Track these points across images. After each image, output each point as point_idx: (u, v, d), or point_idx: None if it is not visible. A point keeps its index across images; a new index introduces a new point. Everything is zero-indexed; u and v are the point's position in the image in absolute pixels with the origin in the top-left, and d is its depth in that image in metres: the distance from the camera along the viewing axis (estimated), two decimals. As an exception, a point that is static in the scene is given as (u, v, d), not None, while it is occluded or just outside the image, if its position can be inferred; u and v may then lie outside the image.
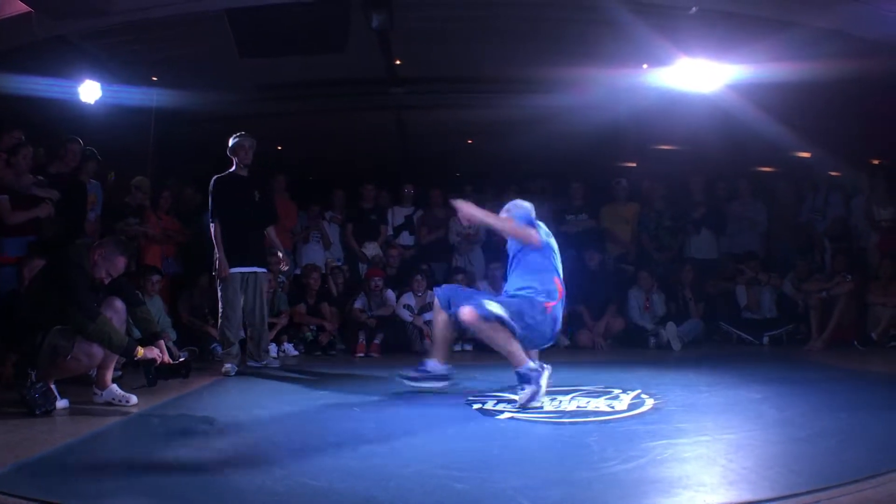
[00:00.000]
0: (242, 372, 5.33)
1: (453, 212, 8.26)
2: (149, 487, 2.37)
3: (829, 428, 3.04)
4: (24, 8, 5.66)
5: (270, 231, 5.75)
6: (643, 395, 3.85)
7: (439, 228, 8.07)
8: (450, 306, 4.06)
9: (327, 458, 2.70)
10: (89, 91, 6.97)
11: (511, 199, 4.50)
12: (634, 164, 9.72)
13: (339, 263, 7.83)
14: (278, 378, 5.17)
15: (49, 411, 3.52)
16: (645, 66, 7.31)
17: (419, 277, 7.17)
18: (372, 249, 7.88)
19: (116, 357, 3.92)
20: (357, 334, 6.80)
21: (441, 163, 10.89)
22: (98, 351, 3.68)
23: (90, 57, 7.07)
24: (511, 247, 4.27)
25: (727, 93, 7.07)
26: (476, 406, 3.73)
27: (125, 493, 2.37)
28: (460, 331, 4.35)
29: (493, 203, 8.13)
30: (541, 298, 3.95)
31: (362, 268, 7.79)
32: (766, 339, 7.11)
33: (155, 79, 7.87)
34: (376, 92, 8.95)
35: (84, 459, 2.81)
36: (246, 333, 5.76)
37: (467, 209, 4.11)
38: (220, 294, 5.43)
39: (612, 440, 2.89)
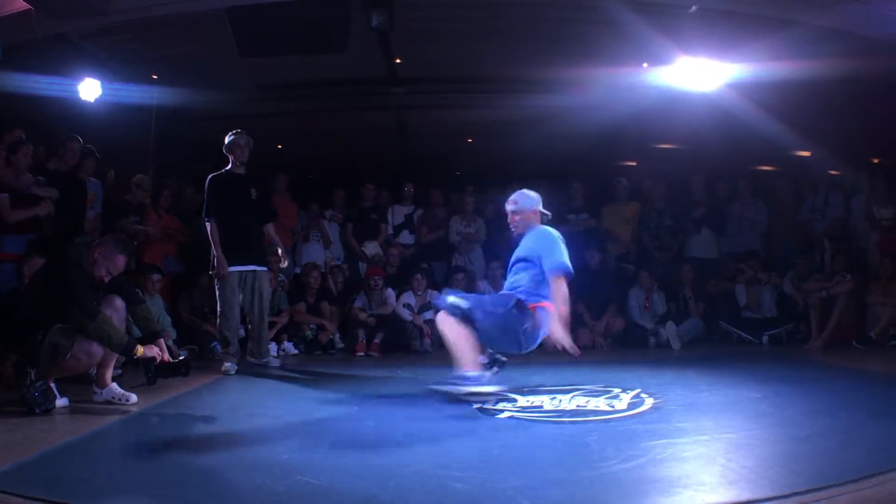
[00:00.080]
0: (242, 371, 5.33)
1: (453, 211, 8.31)
2: (148, 487, 2.37)
3: (828, 427, 3.04)
4: (24, 6, 5.65)
5: (269, 228, 5.73)
6: (643, 395, 3.85)
7: (439, 228, 8.08)
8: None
9: (327, 458, 2.70)
10: (89, 89, 6.96)
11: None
12: (635, 164, 9.73)
13: (340, 262, 7.84)
14: (278, 377, 5.17)
15: (49, 410, 3.52)
16: (645, 65, 7.30)
17: (419, 276, 7.18)
18: (372, 248, 7.88)
19: (116, 356, 3.91)
20: (357, 333, 6.80)
21: (441, 163, 10.88)
22: (98, 349, 3.68)
23: (90, 55, 7.07)
24: (523, 256, 4.17)
25: (727, 92, 7.06)
26: (476, 405, 3.72)
27: (125, 492, 2.38)
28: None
29: (494, 203, 8.25)
30: (522, 296, 3.97)
31: (362, 267, 7.80)
32: (765, 339, 7.11)
33: (155, 77, 7.87)
34: (376, 92, 8.93)
35: (84, 458, 2.81)
36: (246, 331, 5.76)
37: (558, 334, 3.88)
38: (217, 293, 5.42)
39: (612, 439, 2.89)
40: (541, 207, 4.32)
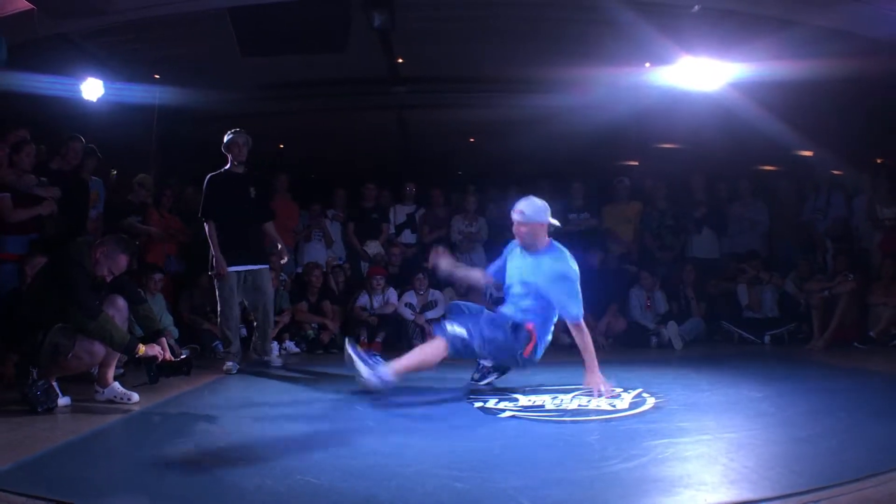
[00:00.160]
0: (244, 370, 5.33)
1: (454, 210, 8.30)
2: (149, 486, 2.38)
3: (829, 427, 3.04)
4: (26, 6, 5.66)
5: (270, 227, 5.70)
6: (645, 394, 3.85)
7: (441, 227, 8.08)
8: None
9: (327, 458, 2.69)
10: (92, 89, 6.97)
11: (514, 198, 4.42)
12: (636, 163, 9.72)
13: (341, 262, 7.84)
14: (279, 376, 5.17)
15: (51, 409, 3.52)
16: (647, 64, 7.30)
17: (421, 276, 7.18)
18: (374, 248, 7.89)
19: (118, 355, 3.92)
20: (359, 332, 6.80)
21: (442, 162, 10.88)
22: (99, 349, 3.68)
23: (92, 55, 7.08)
24: (535, 287, 4.08)
25: (729, 91, 7.06)
26: (477, 405, 3.72)
27: (125, 491, 2.38)
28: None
29: (495, 203, 8.25)
30: (519, 319, 4.06)
31: (364, 266, 7.80)
32: (767, 339, 7.10)
33: (157, 77, 7.88)
34: (378, 91, 8.95)
35: (85, 457, 2.82)
36: (248, 330, 5.74)
37: (596, 383, 3.88)
38: (217, 293, 5.42)
39: (614, 439, 2.89)
40: (549, 218, 4.12)
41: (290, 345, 6.71)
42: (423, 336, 6.85)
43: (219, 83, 7.93)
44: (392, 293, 7.13)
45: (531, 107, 8.67)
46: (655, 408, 3.54)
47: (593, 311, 7.19)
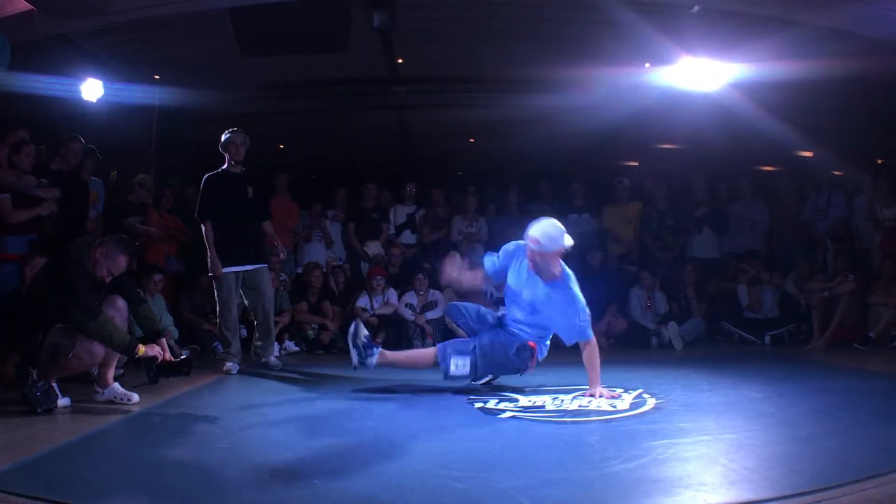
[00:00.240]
0: (244, 371, 5.33)
1: (455, 210, 8.29)
2: (149, 487, 2.37)
3: (830, 428, 3.04)
4: (26, 6, 5.66)
5: (268, 226, 5.68)
6: (645, 395, 3.85)
7: (441, 228, 8.07)
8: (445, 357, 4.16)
9: (327, 458, 2.69)
10: (91, 89, 6.97)
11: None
12: (636, 164, 9.72)
13: (341, 262, 7.83)
14: (279, 377, 5.16)
15: (50, 409, 3.52)
16: (647, 64, 7.30)
17: (421, 276, 7.18)
18: (374, 248, 7.88)
19: (118, 355, 3.92)
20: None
21: (443, 162, 10.88)
22: (99, 349, 3.68)
23: (92, 55, 7.08)
24: (546, 317, 4.12)
25: (729, 92, 7.06)
26: (478, 405, 3.72)
27: (125, 492, 2.38)
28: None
29: (496, 203, 8.25)
30: (528, 338, 4.16)
31: (364, 266, 7.79)
32: (767, 339, 7.09)
33: (157, 77, 7.88)
34: (378, 91, 8.94)
35: (85, 458, 2.82)
36: (248, 330, 5.74)
37: (600, 394, 3.87)
38: (215, 294, 5.41)
39: (614, 439, 2.89)
40: (565, 243, 3.96)
41: (289, 345, 6.71)
42: (424, 336, 6.85)
43: (219, 83, 7.93)
44: (392, 294, 7.13)
45: (531, 107, 8.67)
46: (656, 408, 3.54)
47: (593, 311, 7.17)
